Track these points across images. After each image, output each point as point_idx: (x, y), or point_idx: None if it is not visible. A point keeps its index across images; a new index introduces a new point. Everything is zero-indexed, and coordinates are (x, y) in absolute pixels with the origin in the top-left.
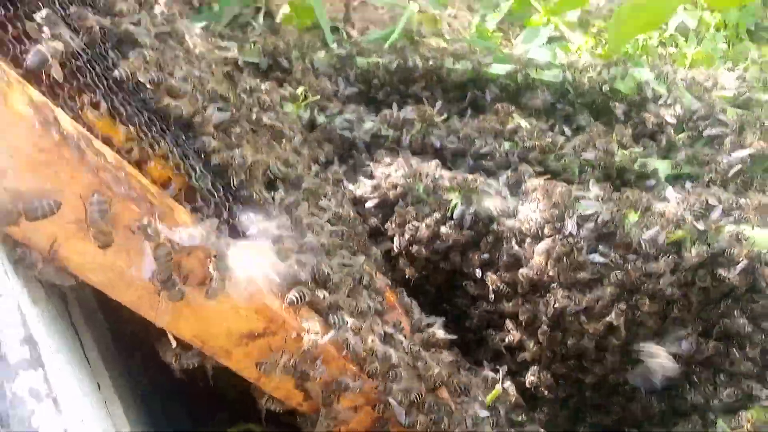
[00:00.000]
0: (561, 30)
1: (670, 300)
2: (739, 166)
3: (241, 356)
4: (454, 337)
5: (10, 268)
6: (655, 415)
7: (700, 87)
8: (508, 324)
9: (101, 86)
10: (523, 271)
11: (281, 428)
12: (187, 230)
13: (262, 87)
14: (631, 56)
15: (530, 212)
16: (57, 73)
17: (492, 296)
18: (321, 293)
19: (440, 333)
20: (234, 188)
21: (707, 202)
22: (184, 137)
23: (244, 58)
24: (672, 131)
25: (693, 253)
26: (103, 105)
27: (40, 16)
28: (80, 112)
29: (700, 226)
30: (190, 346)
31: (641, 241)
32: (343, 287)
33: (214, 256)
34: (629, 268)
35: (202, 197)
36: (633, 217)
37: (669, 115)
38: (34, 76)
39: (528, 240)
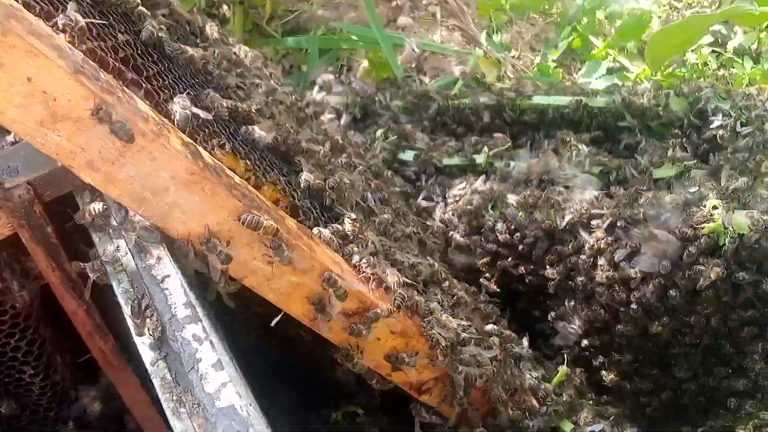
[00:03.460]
0: (620, 61)
1: None
2: None
3: (338, 330)
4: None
5: (172, 260)
6: None
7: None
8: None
9: (225, 132)
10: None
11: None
12: None
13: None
14: (687, 79)
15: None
16: (205, 114)
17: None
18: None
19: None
20: (327, 207)
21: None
22: (287, 170)
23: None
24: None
25: None
26: (228, 146)
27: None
28: (212, 151)
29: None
30: None
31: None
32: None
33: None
34: None
35: (303, 213)
36: None
37: (718, 130)
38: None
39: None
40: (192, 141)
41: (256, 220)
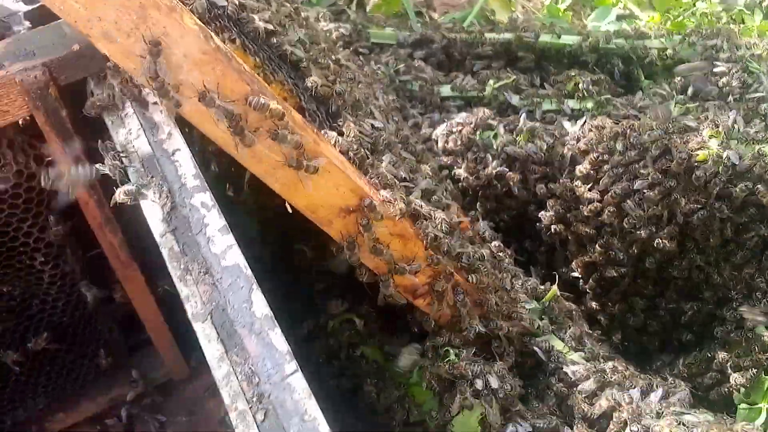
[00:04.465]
0: (630, 8)
1: None
2: None
3: (340, 226)
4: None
5: (180, 134)
6: None
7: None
8: None
9: (235, 29)
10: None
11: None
12: None
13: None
14: (696, 27)
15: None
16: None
17: None
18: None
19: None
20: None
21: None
22: (294, 75)
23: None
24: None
25: None
26: (238, 41)
27: None
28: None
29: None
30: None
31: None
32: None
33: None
34: None
35: (309, 115)
36: None
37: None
38: None
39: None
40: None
41: (264, 103)
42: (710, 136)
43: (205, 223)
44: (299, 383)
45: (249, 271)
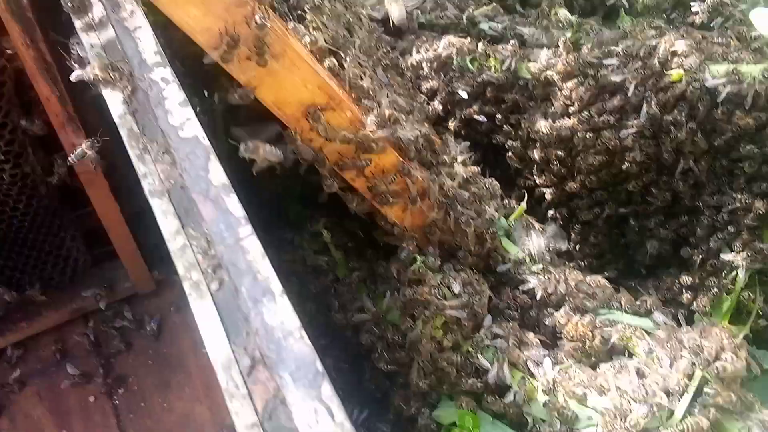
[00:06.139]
0: None
1: None
2: None
3: (308, 127)
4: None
5: (143, 13)
6: None
7: None
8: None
9: None
10: None
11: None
12: None
13: None
14: None
15: None
16: None
17: None
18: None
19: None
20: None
21: None
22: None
23: None
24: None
25: None
26: None
27: None
28: None
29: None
30: None
31: None
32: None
33: None
34: None
35: (281, 16)
36: None
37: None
38: None
39: None
40: None
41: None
42: (684, 54)
43: (164, 96)
44: (253, 245)
45: (207, 142)
